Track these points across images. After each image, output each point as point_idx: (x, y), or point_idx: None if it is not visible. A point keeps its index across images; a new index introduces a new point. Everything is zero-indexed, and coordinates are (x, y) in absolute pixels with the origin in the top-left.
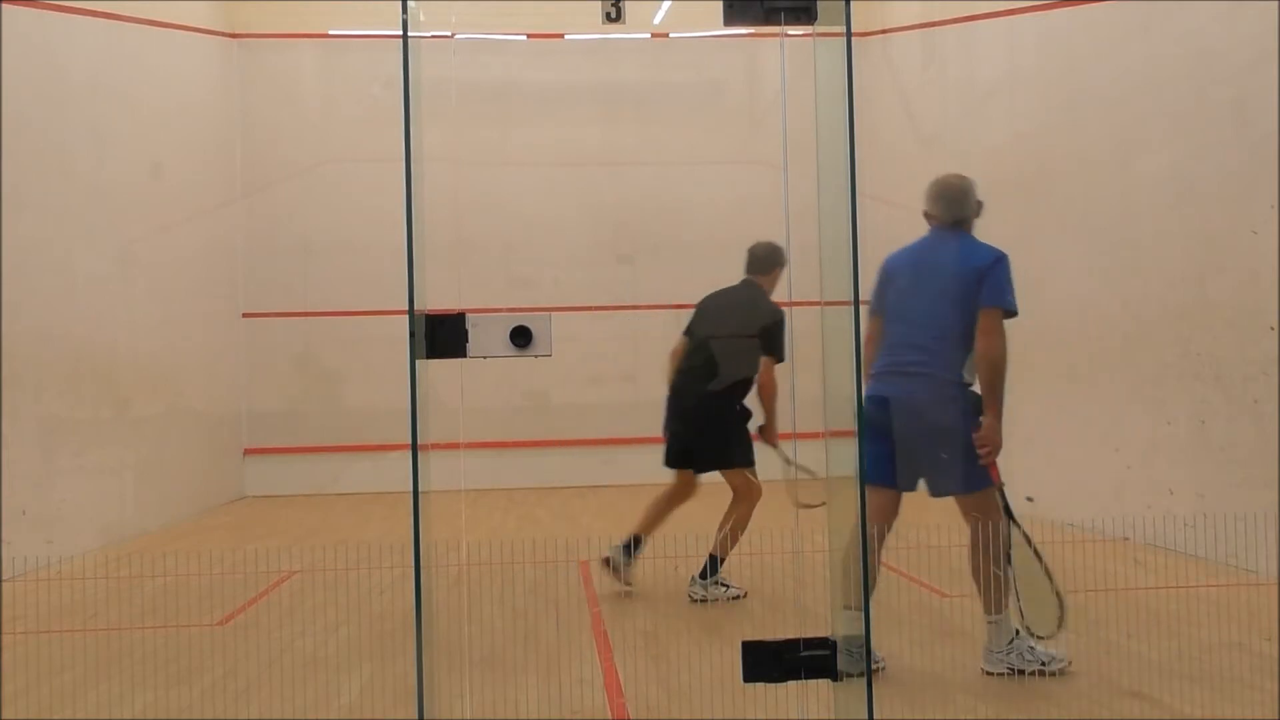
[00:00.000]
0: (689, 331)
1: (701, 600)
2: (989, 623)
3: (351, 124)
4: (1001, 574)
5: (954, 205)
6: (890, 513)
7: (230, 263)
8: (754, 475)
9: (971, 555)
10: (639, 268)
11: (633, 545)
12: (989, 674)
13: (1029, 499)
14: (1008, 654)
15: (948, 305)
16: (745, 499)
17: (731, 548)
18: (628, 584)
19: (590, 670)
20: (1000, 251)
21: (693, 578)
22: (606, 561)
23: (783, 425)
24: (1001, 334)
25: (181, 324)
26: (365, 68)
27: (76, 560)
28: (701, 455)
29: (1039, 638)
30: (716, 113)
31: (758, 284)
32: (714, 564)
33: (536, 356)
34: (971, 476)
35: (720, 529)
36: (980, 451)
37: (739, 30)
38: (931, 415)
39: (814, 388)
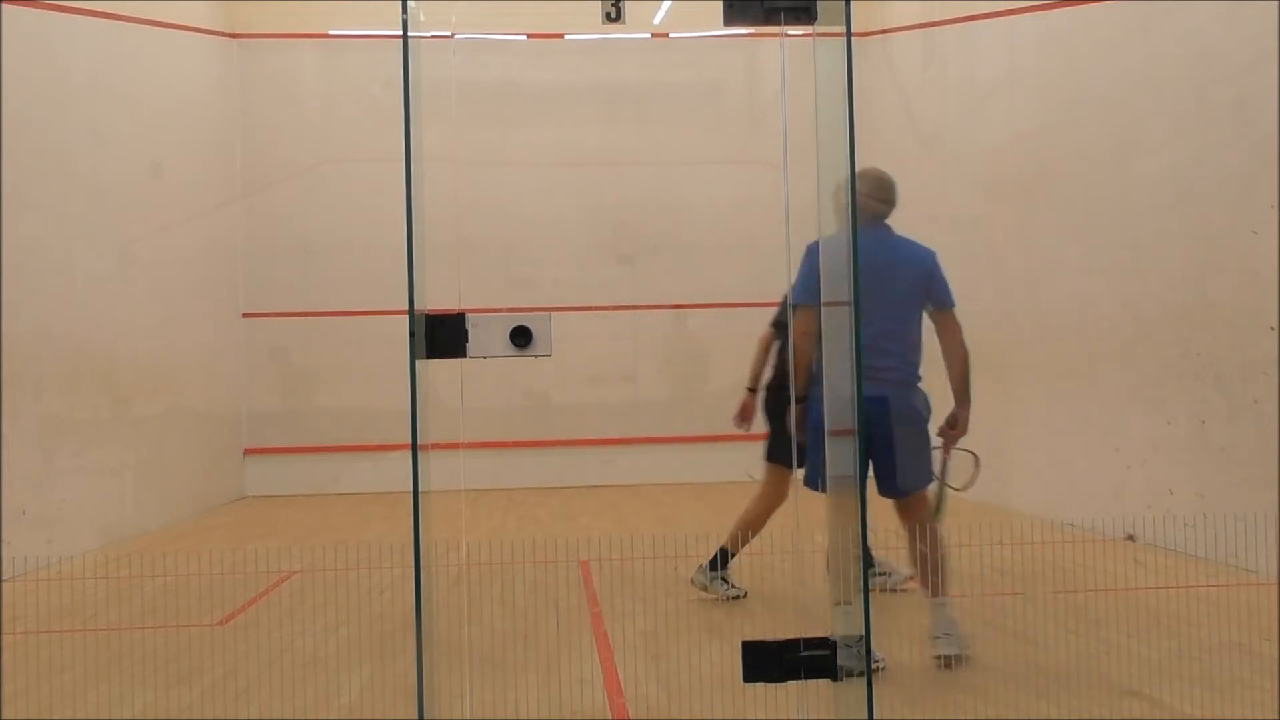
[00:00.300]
0: (775, 324)
1: (702, 588)
2: (936, 604)
3: (351, 124)
4: (941, 560)
5: (892, 199)
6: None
7: (230, 263)
8: (783, 478)
9: (913, 549)
10: (639, 268)
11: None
12: (945, 658)
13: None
14: (955, 634)
15: (905, 307)
16: (764, 498)
17: (742, 546)
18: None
19: (590, 670)
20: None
21: (700, 565)
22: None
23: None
24: (961, 329)
25: (181, 324)
26: (365, 68)
27: (76, 560)
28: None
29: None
30: (716, 113)
31: None
32: (723, 557)
33: (536, 356)
34: (923, 475)
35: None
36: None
37: (739, 30)
38: (905, 419)
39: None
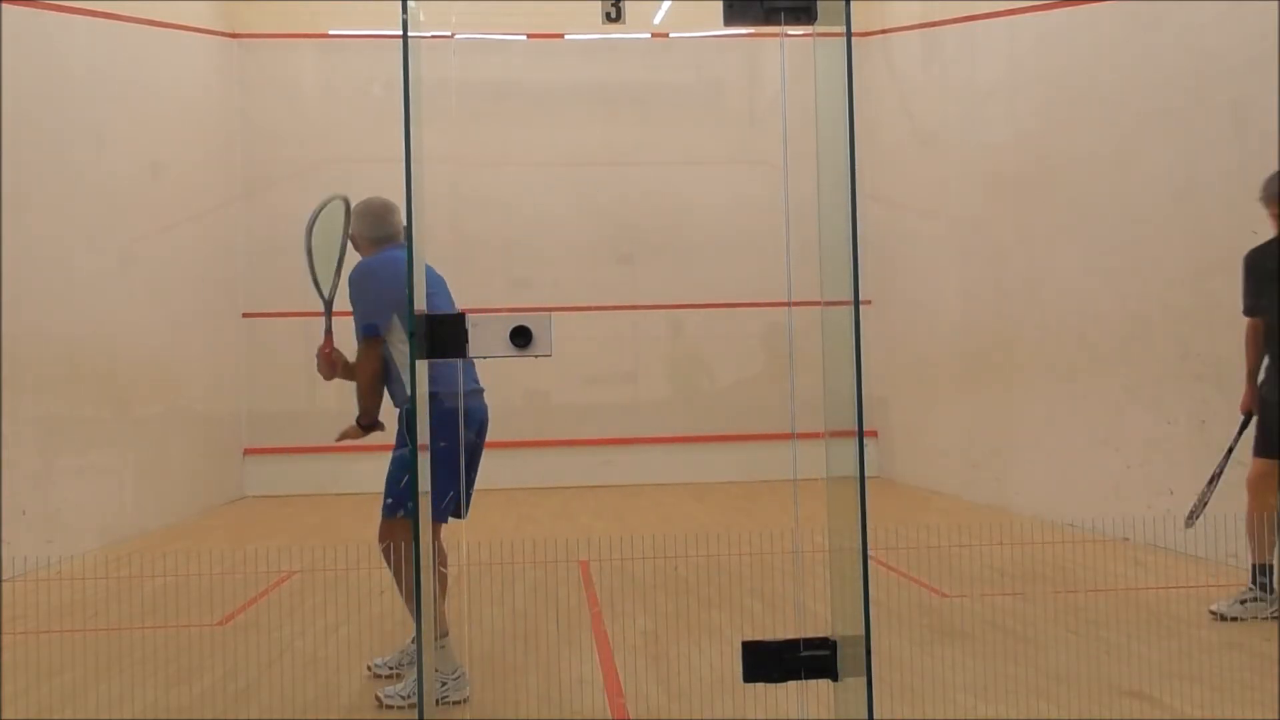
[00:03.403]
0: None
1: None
2: (438, 646)
3: (351, 124)
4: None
5: (387, 224)
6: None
7: (230, 263)
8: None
9: (442, 580)
10: (639, 268)
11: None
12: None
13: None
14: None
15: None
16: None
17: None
18: None
19: (590, 670)
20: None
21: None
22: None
23: (782, 425)
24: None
25: (181, 324)
26: (365, 68)
27: (76, 560)
28: None
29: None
30: (716, 113)
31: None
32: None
33: (536, 356)
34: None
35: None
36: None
37: (739, 30)
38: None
39: (814, 388)
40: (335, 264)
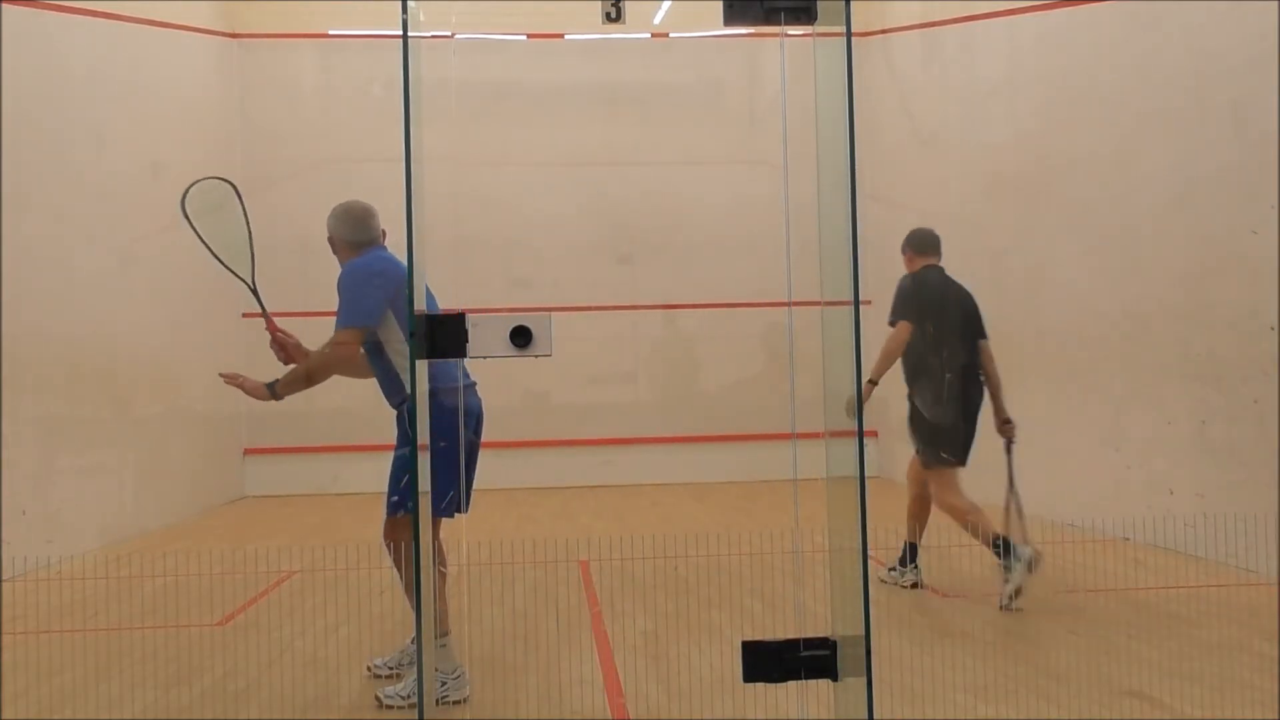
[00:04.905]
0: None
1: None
2: (439, 645)
3: (351, 124)
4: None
5: (366, 227)
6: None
7: None
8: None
9: (442, 581)
10: (639, 268)
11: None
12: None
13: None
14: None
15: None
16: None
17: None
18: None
19: (590, 670)
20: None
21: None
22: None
23: (782, 425)
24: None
25: (181, 324)
26: (365, 68)
27: (76, 560)
28: None
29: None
30: (716, 113)
31: None
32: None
33: (536, 356)
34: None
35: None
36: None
37: (739, 30)
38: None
39: (814, 388)
40: (247, 247)
